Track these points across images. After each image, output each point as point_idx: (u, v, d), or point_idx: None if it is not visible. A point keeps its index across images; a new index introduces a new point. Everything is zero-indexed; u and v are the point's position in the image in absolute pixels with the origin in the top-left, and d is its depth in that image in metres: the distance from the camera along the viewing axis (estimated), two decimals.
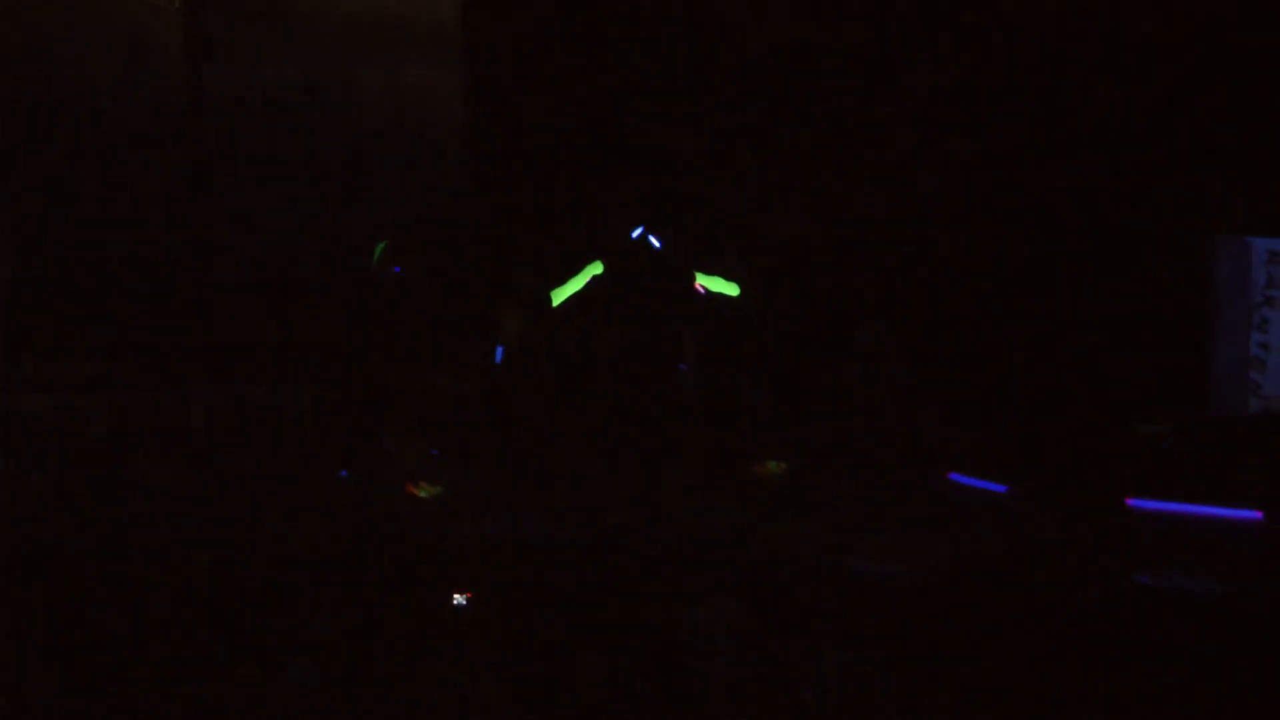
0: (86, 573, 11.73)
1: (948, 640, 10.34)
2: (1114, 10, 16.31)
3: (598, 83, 17.39)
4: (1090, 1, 16.45)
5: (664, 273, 15.35)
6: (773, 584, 11.44)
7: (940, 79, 16.96)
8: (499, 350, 15.17)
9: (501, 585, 11.51)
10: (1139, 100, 16.18)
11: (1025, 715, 9.28)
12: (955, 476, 14.29)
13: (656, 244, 15.33)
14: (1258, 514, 12.81)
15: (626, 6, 17.44)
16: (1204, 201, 15.67)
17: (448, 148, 17.26)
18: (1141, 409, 14.99)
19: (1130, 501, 13.24)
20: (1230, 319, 14.80)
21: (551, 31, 17.38)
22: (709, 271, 15.41)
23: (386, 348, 14.97)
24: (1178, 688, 9.48)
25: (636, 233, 15.37)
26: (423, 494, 13.84)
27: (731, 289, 15.40)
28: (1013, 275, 16.55)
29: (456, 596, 11.05)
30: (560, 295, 15.30)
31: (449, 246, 16.25)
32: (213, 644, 10.41)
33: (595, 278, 15.38)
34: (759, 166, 17.00)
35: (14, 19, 15.93)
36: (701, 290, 15.31)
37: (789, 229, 16.60)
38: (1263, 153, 15.58)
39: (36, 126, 15.97)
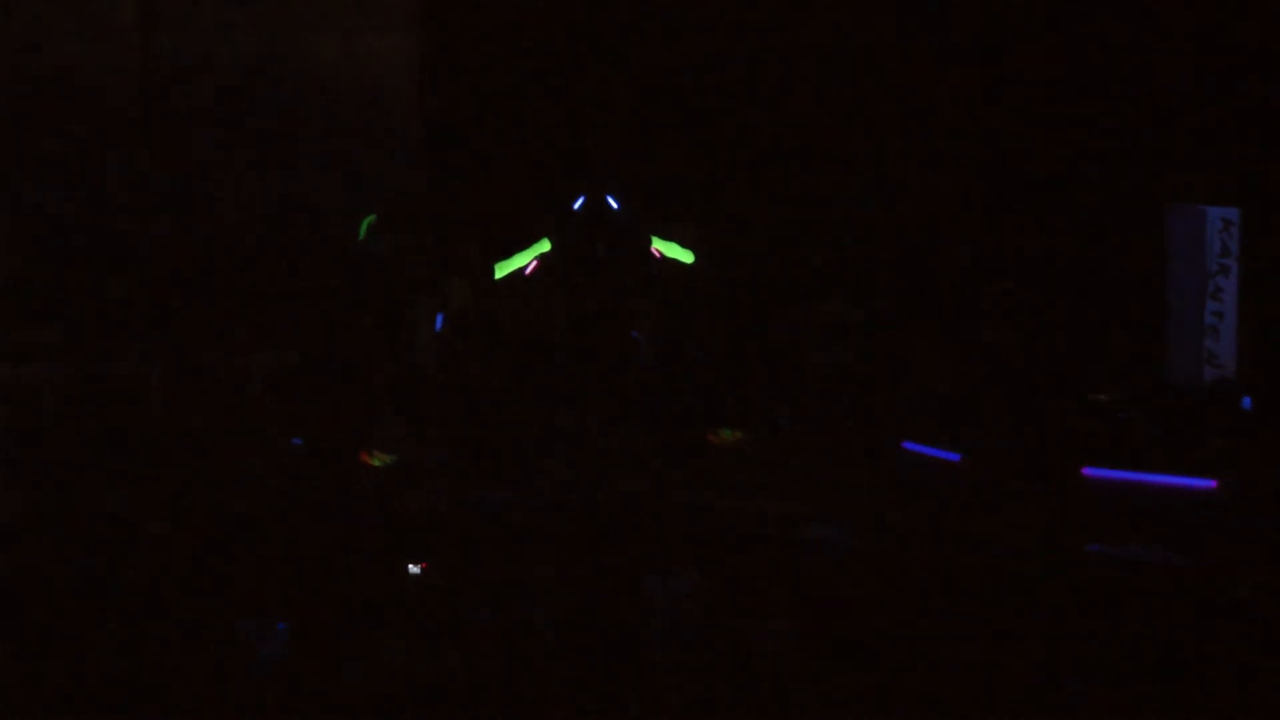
0: (41, 539, 11.82)
1: (901, 607, 10.41)
2: None
3: (555, 52, 17.38)
4: None
5: (620, 234, 15.30)
6: (729, 551, 11.47)
7: (895, 57, 17.04)
8: (439, 318, 15.24)
9: (458, 553, 11.58)
10: (1095, 70, 16.25)
11: (979, 682, 9.36)
12: (909, 445, 14.27)
13: (614, 205, 15.29)
14: (1212, 483, 12.77)
15: None
16: (1158, 170, 15.73)
17: (403, 117, 17.40)
18: (1096, 378, 15.04)
19: (1085, 470, 13.22)
20: (1185, 288, 14.87)
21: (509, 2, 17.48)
22: (665, 237, 15.38)
23: (369, 320, 15.13)
24: (1132, 655, 9.56)
25: (579, 203, 15.37)
26: (377, 463, 13.81)
27: (686, 256, 15.36)
28: (968, 247, 16.62)
29: (412, 566, 11.11)
30: (504, 269, 15.32)
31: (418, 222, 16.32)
32: (165, 609, 10.48)
33: (543, 254, 15.40)
34: (717, 143, 17.07)
35: None
36: (657, 254, 15.30)
37: (747, 204, 16.72)
38: (1218, 122, 15.65)
39: None
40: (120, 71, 16.44)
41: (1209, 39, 15.79)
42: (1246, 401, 14.29)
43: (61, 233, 16.22)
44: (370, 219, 15.23)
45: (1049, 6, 16.51)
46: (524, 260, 15.41)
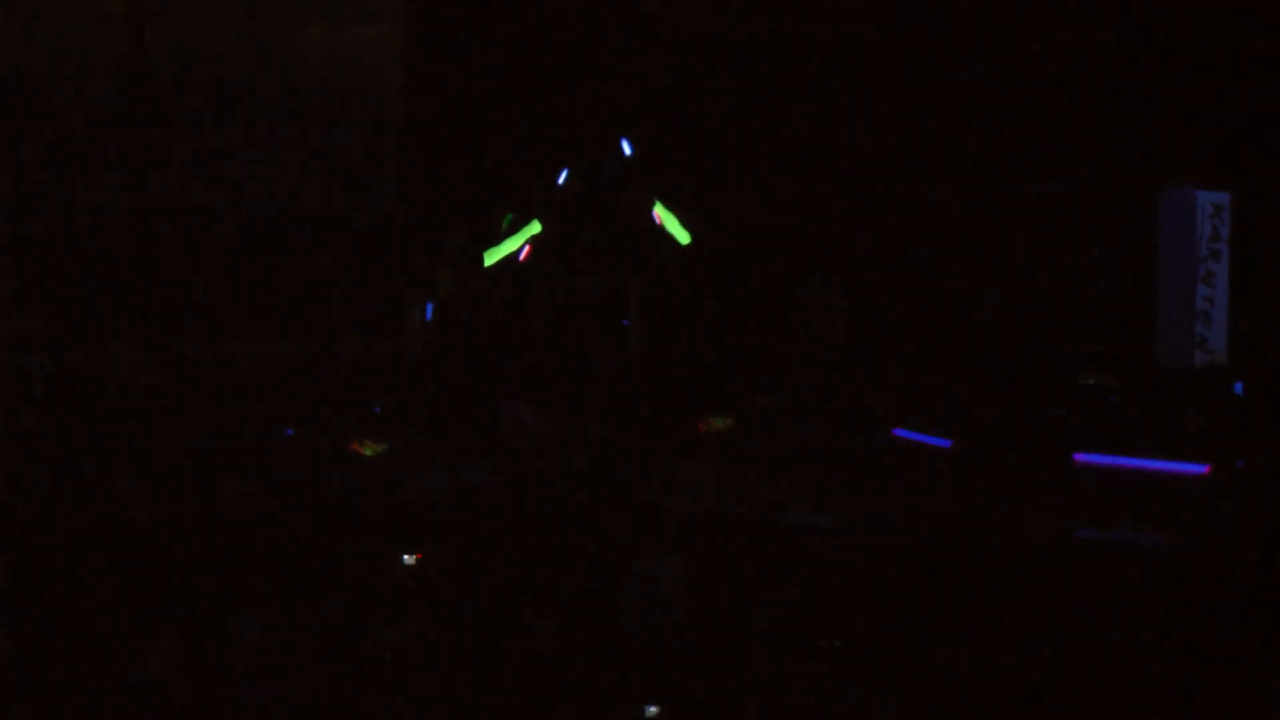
0: (32, 529, 11.73)
1: (890, 594, 10.39)
2: None
3: (544, 37, 17.37)
4: None
5: (629, 183, 15.34)
6: (718, 537, 11.43)
7: (885, 38, 17.06)
8: (429, 307, 15.33)
9: (446, 539, 11.57)
10: (1086, 53, 16.27)
11: (969, 668, 9.35)
12: (900, 431, 14.32)
13: (627, 150, 15.35)
14: (1203, 467, 12.77)
15: None
16: (1149, 155, 15.75)
17: (391, 104, 17.47)
18: (1087, 363, 15.07)
19: (1076, 456, 13.26)
20: (1175, 272, 14.89)
21: None
22: (669, 207, 15.44)
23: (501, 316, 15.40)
24: (1123, 639, 9.52)
25: (562, 176, 15.33)
26: (367, 452, 13.86)
27: (683, 236, 15.34)
28: (959, 230, 16.66)
29: (406, 557, 11.14)
30: (494, 255, 15.33)
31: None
32: (156, 598, 10.49)
33: (535, 237, 15.39)
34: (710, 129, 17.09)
35: None
36: (657, 220, 15.29)
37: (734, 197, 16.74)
38: (1210, 106, 15.70)
39: None
40: (109, 62, 16.59)
41: (1203, 25, 15.80)
42: (1238, 386, 14.33)
43: (49, 222, 16.37)
44: (508, 219, 15.41)
45: None
46: (515, 245, 15.42)
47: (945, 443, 13.99)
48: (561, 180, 15.69)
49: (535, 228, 15.40)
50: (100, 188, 16.55)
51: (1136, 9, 16.14)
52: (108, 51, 16.50)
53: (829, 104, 17.05)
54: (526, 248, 15.53)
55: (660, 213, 15.40)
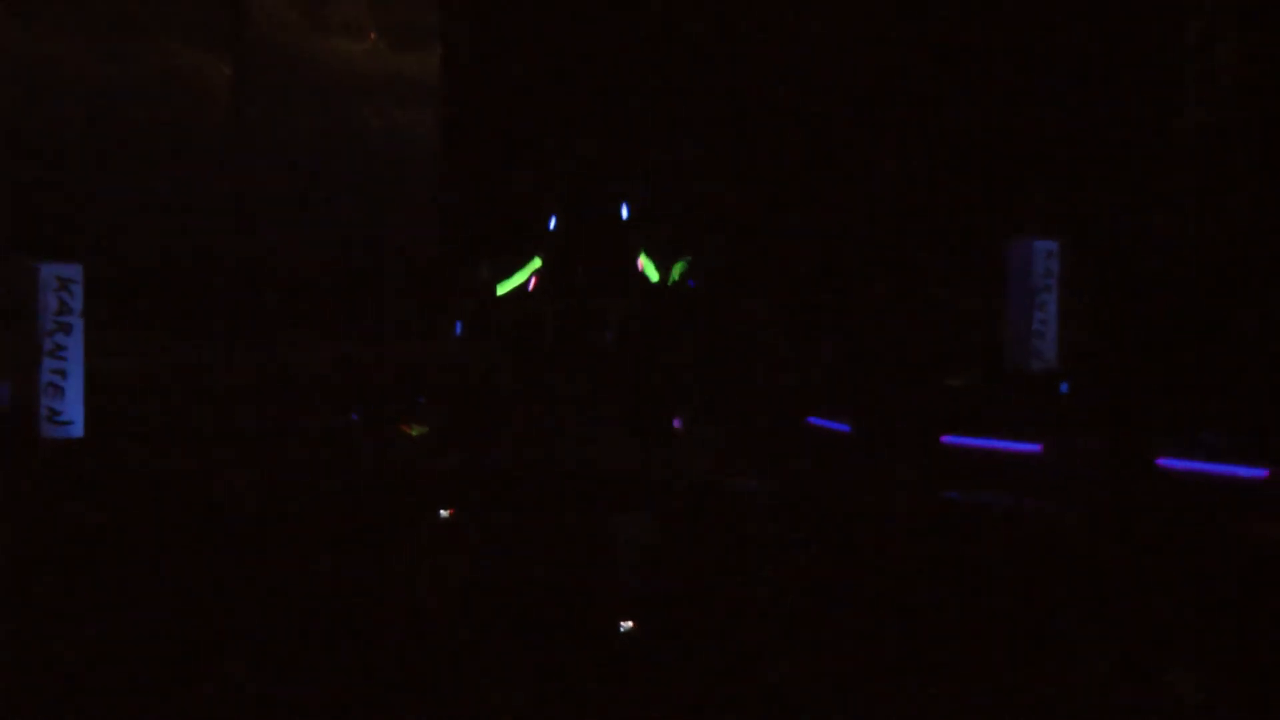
0: (142, 492, 12.10)
1: (800, 539, 10.98)
2: (939, 22, 17.55)
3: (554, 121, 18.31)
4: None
5: (621, 238, 15.84)
6: (673, 498, 12.22)
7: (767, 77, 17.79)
8: (458, 325, 16.33)
9: (470, 502, 12.08)
10: (953, 123, 17.33)
11: (864, 596, 9.51)
12: (811, 419, 15.02)
13: (625, 213, 15.96)
14: (1037, 446, 13.58)
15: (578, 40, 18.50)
16: (1001, 209, 16.86)
17: (426, 170, 18.67)
18: (953, 368, 16.15)
19: (943, 438, 13.95)
20: (1018, 301, 15.89)
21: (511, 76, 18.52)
22: (649, 254, 15.97)
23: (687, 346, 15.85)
24: (977, 581, 9.80)
25: (552, 223, 16.16)
26: (413, 433, 14.45)
27: (654, 274, 16.21)
28: (859, 275, 17.71)
29: (442, 511, 11.55)
30: (505, 287, 16.21)
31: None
32: (228, 550, 10.37)
33: (538, 270, 16.20)
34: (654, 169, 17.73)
35: (95, 60, 17.08)
36: (639, 268, 15.93)
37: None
38: (1045, 173, 16.88)
39: (117, 145, 17.13)
40: (216, 133, 17.62)
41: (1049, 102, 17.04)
42: (1064, 386, 15.34)
43: (156, 250, 17.15)
44: (682, 264, 15.90)
45: (911, 47, 17.51)
46: (523, 277, 16.18)
47: (846, 428, 14.62)
48: (552, 225, 16.37)
49: (537, 263, 16.12)
50: (196, 223, 17.25)
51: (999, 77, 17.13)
52: (213, 120, 17.30)
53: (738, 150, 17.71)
54: (533, 280, 16.19)
55: (643, 260, 15.96)
